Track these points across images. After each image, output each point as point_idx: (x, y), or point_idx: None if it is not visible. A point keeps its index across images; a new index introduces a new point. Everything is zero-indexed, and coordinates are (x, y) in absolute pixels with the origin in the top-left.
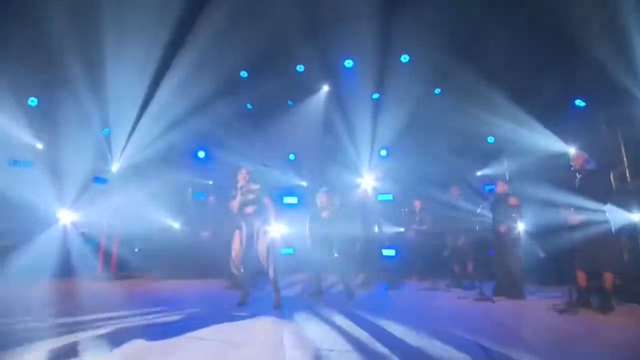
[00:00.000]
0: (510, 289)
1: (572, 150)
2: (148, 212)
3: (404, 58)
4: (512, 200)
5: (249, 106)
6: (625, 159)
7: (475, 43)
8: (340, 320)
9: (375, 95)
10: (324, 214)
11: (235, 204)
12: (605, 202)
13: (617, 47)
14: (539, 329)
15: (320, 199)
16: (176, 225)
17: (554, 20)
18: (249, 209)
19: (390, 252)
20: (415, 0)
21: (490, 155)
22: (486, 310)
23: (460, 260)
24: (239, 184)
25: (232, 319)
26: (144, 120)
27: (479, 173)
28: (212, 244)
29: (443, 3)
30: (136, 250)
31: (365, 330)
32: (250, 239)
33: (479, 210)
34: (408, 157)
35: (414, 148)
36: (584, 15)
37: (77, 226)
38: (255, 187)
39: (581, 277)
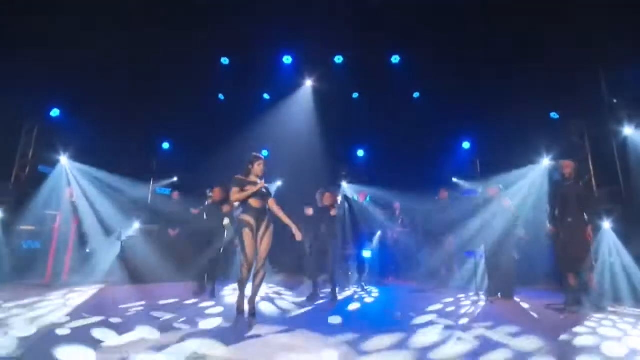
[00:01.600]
0: (503, 288)
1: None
2: (104, 208)
3: (395, 59)
4: (505, 202)
5: (221, 96)
6: (592, 169)
7: (457, 52)
8: (354, 330)
9: (355, 95)
10: (333, 212)
11: (243, 196)
12: (590, 208)
13: (590, 64)
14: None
15: (325, 196)
16: (136, 224)
17: (534, 35)
18: (258, 203)
19: (367, 254)
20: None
21: (464, 161)
22: (494, 310)
23: (447, 262)
24: (259, 175)
25: (239, 334)
26: (102, 102)
27: (454, 179)
28: (181, 243)
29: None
30: (87, 251)
31: (389, 341)
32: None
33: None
34: (387, 158)
35: (393, 149)
36: (559, 31)
37: (15, 222)
38: (264, 184)
39: (572, 278)
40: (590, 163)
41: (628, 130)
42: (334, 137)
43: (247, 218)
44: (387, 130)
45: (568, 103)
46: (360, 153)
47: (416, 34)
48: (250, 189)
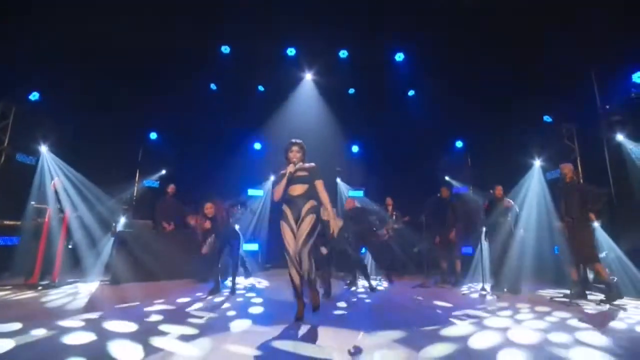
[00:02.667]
0: (509, 284)
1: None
2: (88, 202)
3: (399, 57)
4: (507, 203)
5: (213, 86)
6: (581, 171)
7: (456, 52)
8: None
9: (351, 90)
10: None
11: (278, 190)
12: (591, 207)
13: (584, 70)
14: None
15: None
16: (122, 218)
17: (531, 40)
18: (297, 189)
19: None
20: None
21: (456, 160)
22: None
23: (447, 257)
24: (293, 163)
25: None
26: (85, 87)
27: (447, 177)
28: (177, 238)
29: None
30: (69, 247)
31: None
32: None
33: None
34: (381, 154)
35: (387, 145)
36: (555, 37)
37: None
38: (310, 165)
39: (574, 272)
40: (579, 165)
41: (620, 137)
42: (330, 132)
43: (286, 209)
44: (382, 127)
45: (561, 107)
46: (355, 149)
47: (415, 34)
48: (282, 183)
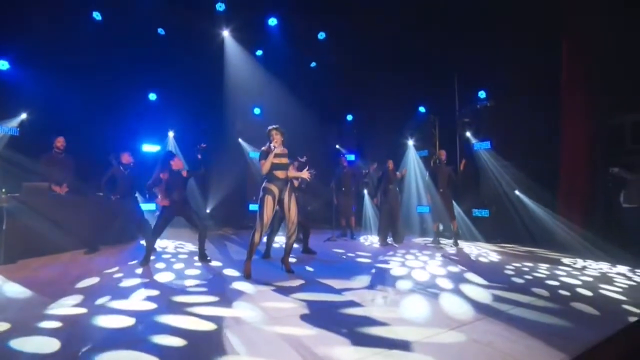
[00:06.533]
0: (395, 236)
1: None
2: None
3: (320, 35)
4: (398, 175)
5: (96, 15)
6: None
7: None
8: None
9: (259, 52)
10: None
11: (266, 165)
12: (454, 180)
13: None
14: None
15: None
16: None
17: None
18: (280, 174)
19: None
20: None
21: (346, 132)
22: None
23: (345, 216)
24: (274, 144)
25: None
26: None
27: (337, 146)
28: (78, 201)
29: None
30: None
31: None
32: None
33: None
34: (282, 118)
35: (287, 111)
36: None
37: None
38: (286, 151)
39: (437, 226)
40: (437, 148)
41: (467, 133)
42: (233, 91)
43: (272, 187)
44: (283, 93)
45: (433, 102)
46: (257, 111)
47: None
48: (270, 157)
